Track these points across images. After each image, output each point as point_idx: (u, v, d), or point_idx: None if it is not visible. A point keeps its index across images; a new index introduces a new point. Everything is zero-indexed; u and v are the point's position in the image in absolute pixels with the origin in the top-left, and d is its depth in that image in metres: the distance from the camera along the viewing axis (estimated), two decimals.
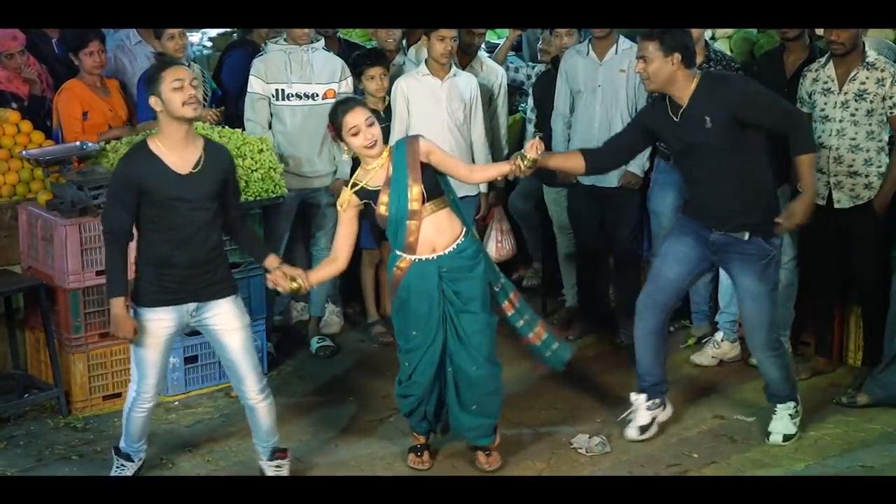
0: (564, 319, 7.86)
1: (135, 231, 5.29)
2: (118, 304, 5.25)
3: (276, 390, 6.81)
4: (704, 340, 7.31)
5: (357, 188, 5.54)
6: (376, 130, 5.49)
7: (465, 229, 5.64)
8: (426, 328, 5.58)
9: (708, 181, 5.72)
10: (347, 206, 5.55)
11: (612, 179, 7.23)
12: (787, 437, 6.06)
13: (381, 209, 5.50)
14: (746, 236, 5.71)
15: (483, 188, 7.31)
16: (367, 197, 5.53)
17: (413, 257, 5.54)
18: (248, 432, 5.75)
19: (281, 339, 7.50)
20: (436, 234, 5.54)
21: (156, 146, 5.22)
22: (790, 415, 6.08)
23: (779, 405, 6.08)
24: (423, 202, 5.48)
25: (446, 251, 5.55)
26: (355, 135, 5.45)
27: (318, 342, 7.40)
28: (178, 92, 5.09)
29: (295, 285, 5.45)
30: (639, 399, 6.17)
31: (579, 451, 6.08)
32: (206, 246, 5.28)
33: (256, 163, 6.73)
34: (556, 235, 7.87)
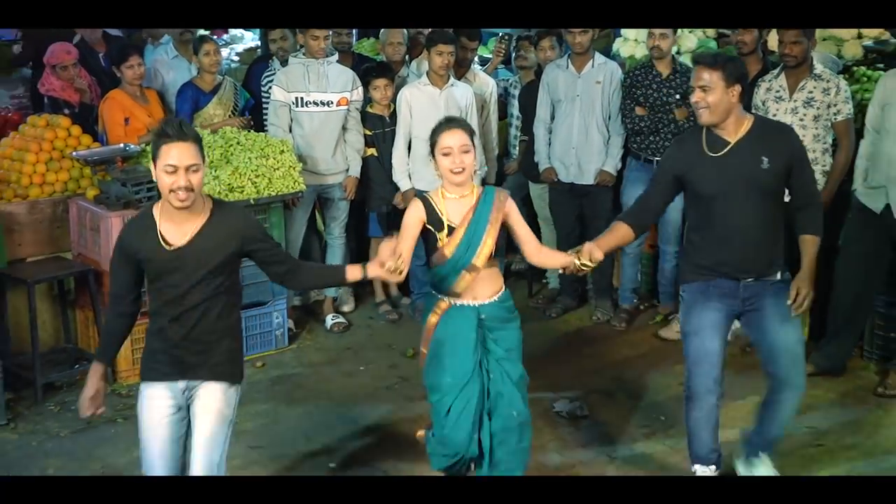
0: (548, 299, 7.95)
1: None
2: (94, 369, 4.36)
3: (294, 360, 6.96)
4: (670, 317, 7.39)
5: (429, 208, 4.77)
6: (470, 160, 4.72)
7: (504, 286, 4.94)
8: (461, 372, 4.75)
9: (741, 226, 4.81)
10: (416, 224, 4.77)
11: (589, 177, 7.33)
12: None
13: (447, 251, 4.74)
14: (779, 275, 4.94)
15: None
16: (434, 224, 4.75)
17: (454, 302, 4.81)
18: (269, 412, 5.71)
19: (300, 317, 7.57)
20: (480, 286, 4.81)
21: (157, 213, 4.27)
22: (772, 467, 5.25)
23: (762, 454, 5.20)
24: (488, 259, 4.78)
25: (488, 301, 4.83)
26: (446, 155, 4.72)
27: (332, 319, 7.48)
28: (169, 176, 4.10)
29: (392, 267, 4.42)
30: (706, 472, 5.15)
31: (560, 414, 6.14)
32: (205, 324, 4.29)
33: (278, 162, 6.83)
34: (540, 226, 7.96)
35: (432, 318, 4.85)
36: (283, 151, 6.89)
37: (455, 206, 4.78)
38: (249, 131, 7.09)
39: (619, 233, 5.06)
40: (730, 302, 4.94)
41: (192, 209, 4.20)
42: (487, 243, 4.74)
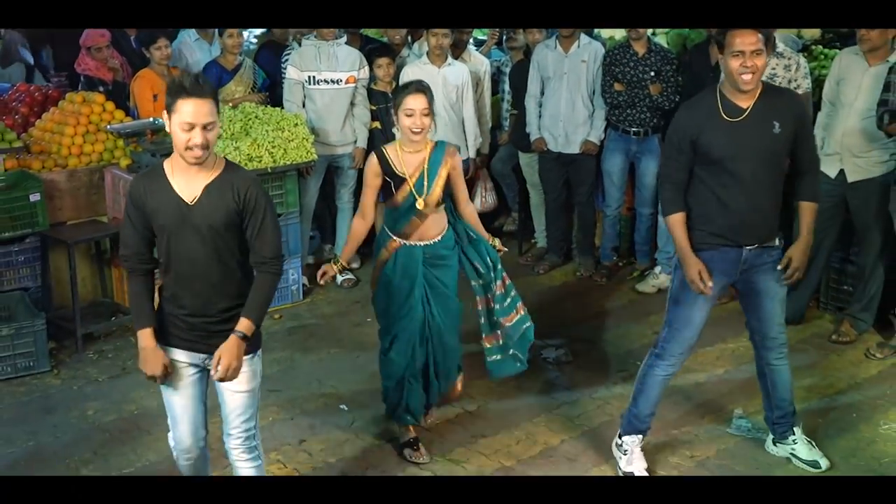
0: (536, 256, 7.88)
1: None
2: (144, 337, 3.84)
3: (308, 312, 6.91)
4: (646, 273, 7.34)
5: (384, 162, 4.85)
6: (428, 122, 4.78)
7: (448, 226, 4.98)
8: (406, 305, 4.89)
9: (751, 191, 4.45)
10: (374, 176, 4.87)
11: (575, 147, 7.26)
12: (817, 465, 4.89)
13: (399, 196, 4.84)
14: (777, 241, 4.62)
15: (472, 153, 7.31)
16: (391, 176, 4.84)
17: (403, 242, 4.90)
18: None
19: (313, 273, 7.47)
20: (427, 228, 4.89)
21: (169, 168, 3.82)
22: (807, 440, 4.98)
23: (796, 429, 4.95)
24: (436, 206, 4.88)
25: (432, 241, 4.90)
26: (409, 116, 4.74)
27: (342, 275, 7.42)
28: (185, 133, 3.67)
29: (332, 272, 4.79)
30: (634, 442, 4.86)
31: (547, 360, 6.11)
32: (214, 290, 3.83)
33: (293, 134, 6.74)
34: (529, 191, 7.90)
35: (384, 254, 4.94)
36: (297, 125, 6.80)
37: (410, 158, 4.84)
38: (267, 106, 6.99)
39: (680, 223, 4.56)
40: (729, 273, 4.60)
41: (204, 166, 3.77)
42: (436, 191, 4.82)
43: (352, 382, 5.85)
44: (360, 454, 5.10)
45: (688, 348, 4.74)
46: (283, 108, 7.06)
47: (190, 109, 3.66)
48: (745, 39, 4.33)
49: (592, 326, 6.67)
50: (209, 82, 3.81)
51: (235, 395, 3.94)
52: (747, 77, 4.35)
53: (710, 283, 4.51)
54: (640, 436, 4.86)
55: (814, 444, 4.96)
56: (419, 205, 4.80)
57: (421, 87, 4.81)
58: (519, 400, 5.64)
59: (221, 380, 3.84)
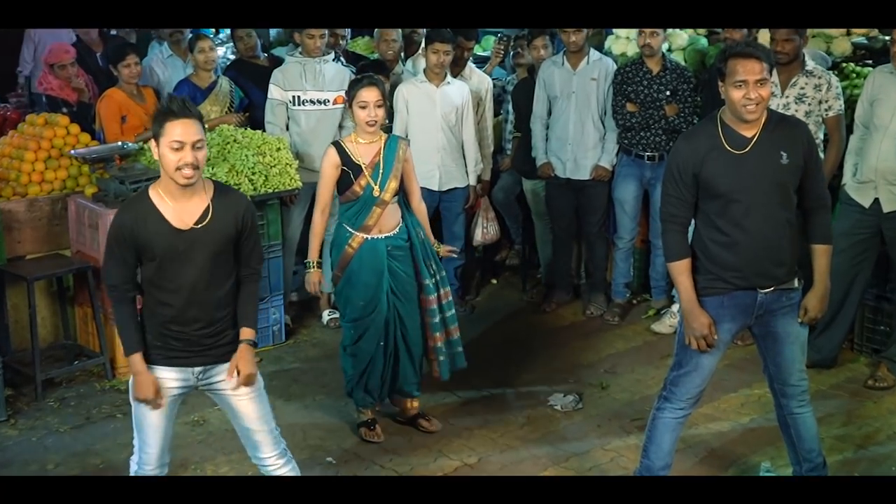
0: (541, 293, 7.90)
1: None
2: (136, 362, 4.18)
3: (291, 356, 6.92)
4: (662, 311, 7.37)
5: (342, 153, 5.47)
6: (382, 113, 5.46)
7: (402, 220, 5.62)
8: (374, 298, 5.51)
9: (761, 228, 4.45)
10: (332, 167, 5.48)
11: (585, 172, 7.32)
12: None
13: (357, 188, 5.46)
14: (796, 283, 4.62)
15: (472, 180, 7.36)
16: (349, 166, 5.47)
17: (366, 236, 5.50)
18: None
19: (297, 313, 7.54)
20: (386, 219, 5.52)
21: (157, 195, 4.12)
22: None
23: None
24: (393, 196, 5.51)
25: (392, 233, 5.54)
26: (363, 108, 5.41)
27: (328, 314, 7.42)
28: (175, 153, 4.00)
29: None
30: None
31: (555, 408, 6.12)
32: (216, 305, 4.22)
33: (275, 159, 6.78)
34: (534, 222, 7.93)
35: (349, 250, 5.53)
36: (279, 149, 6.84)
37: (365, 149, 5.50)
38: (246, 128, 7.04)
39: (686, 270, 4.58)
40: (742, 320, 4.60)
41: (195, 190, 4.10)
42: (392, 183, 5.48)
43: (339, 433, 5.85)
44: None
45: (697, 393, 4.75)
46: (264, 130, 7.11)
47: (179, 129, 3.99)
48: (749, 68, 4.36)
49: (604, 370, 6.68)
50: (196, 107, 4.12)
51: (253, 400, 4.35)
52: (752, 108, 4.40)
53: (715, 337, 4.53)
54: None
55: None
56: (375, 192, 5.43)
57: (373, 80, 5.50)
58: (524, 451, 5.64)
59: (239, 387, 4.28)
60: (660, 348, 6.95)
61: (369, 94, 5.42)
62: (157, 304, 4.19)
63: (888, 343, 6.44)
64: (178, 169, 4.00)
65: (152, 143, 4.06)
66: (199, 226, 4.11)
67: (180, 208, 4.10)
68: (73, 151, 6.68)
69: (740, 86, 4.39)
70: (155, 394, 4.18)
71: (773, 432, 5.68)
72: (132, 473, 4.42)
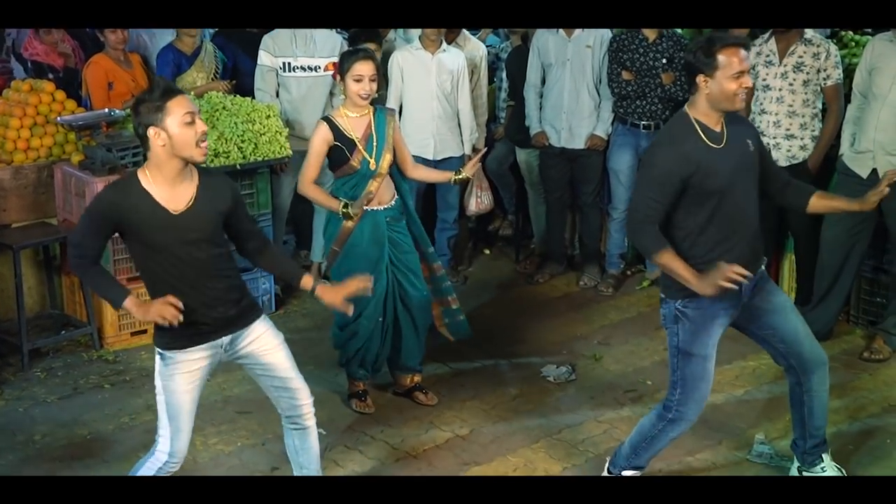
0: (535, 264, 7.90)
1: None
2: (132, 304, 4.12)
3: (281, 326, 6.84)
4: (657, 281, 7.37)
5: (334, 128, 5.43)
6: (375, 87, 5.45)
7: (395, 190, 5.64)
8: (374, 271, 5.39)
9: (747, 217, 4.50)
10: (323, 143, 5.45)
11: (580, 141, 7.29)
12: None
13: (354, 162, 5.43)
14: (765, 260, 4.74)
15: (467, 149, 7.32)
16: (342, 141, 5.43)
17: (365, 208, 5.48)
18: None
19: (287, 284, 7.51)
20: (383, 191, 5.52)
21: (146, 180, 4.07)
22: (836, 465, 4.95)
23: (825, 455, 4.91)
24: (389, 167, 5.50)
25: (389, 204, 5.55)
26: (357, 81, 5.38)
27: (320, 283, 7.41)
28: (190, 128, 3.98)
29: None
30: (628, 474, 4.87)
31: (548, 379, 6.13)
32: (219, 284, 4.23)
33: (264, 127, 6.74)
34: (527, 192, 7.91)
35: (348, 223, 5.49)
36: (269, 116, 6.80)
37: (356, 123, 5.47)
38: (235, 96, 6.98)
39: (673, 255, 4.40)
40: (732, 312, 4.57)
41: (185, 174, 4.09)
42: (387, 156, 5.46)
43: (330, 404, 5.84)
44: None
45: (704, 404, 4.65)
46: (253, 97, 7.06)
47: (185, 102, 4.01)
48: (742, 56, 4.33)
49: (597, 342, 6.68)
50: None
51: (281, 348, 4.46)
52: (742, 97, 4.40)
53: (741, 272, 4.30)
54: (638, 472, 4.87)
55: (844, 471, 4.96)
56: (372, 166, 5.41)
57: (369, 54, 5.50)
58: (516, 423, 5.65)
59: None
60: (654, 319, 6.92)
61: (365, 68, 5.39)
62: (159, 286, 4.12)
63: (884, 315, 6.45)
64: (199, 143, 4.01)
65: (153, 130, 3.97)
66: (191, 208, 4.09)
67: (172, 192, 4.07)
68: (59, 118, 6.64)
69: (738, 76, 4.33)
70: (165, 302, 4.03)
71: (768, 404, 5.73)
72: (153, 467, 4.30)
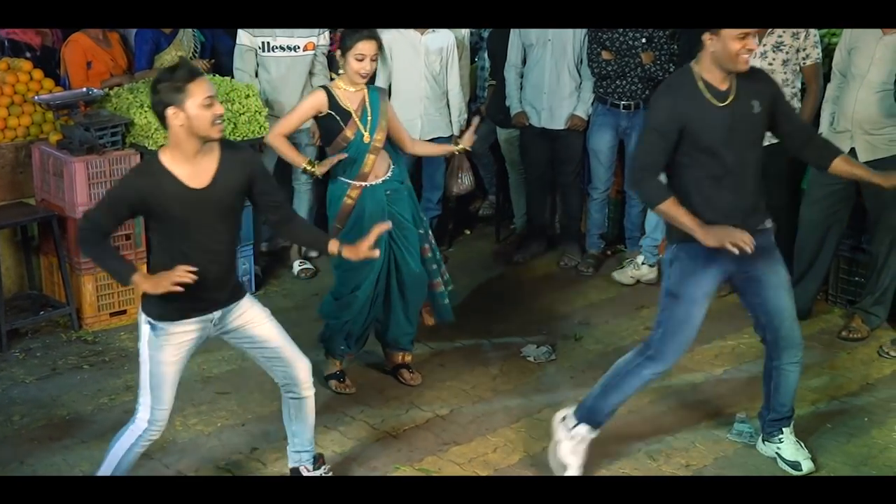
0: (515, 243, 7.91)
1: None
2: (139, 279, 4.16)
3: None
4: (625, 262, 7.38)
5: (331, 97, 5.47)
6: (374, 67, 5.53)
7: (392, 163, 5.65)
8: (374, 247, 5.34)
9: (741, 176, 4.57)
10: (312, 109, 5.51)
11: (560, 121, 7.29)
12: (798, 467, 4.97)
13: (348, 133, 5.47)
14: (768, 223, 4.76)
15: (455, 130, 7.30)
16: (337, 111, 5.47)
17: (364, 184, 5.51)
18: None
19: (267, 264, 7.50)
20: (379, 164, 5.54)
21: (167, 160, 4.18)
22: (796, 440, 5.05)
23: (785, 429, 5.02)
24: (384, 141, 5.54)
25: (387, 177, 5.57)
26: (359, 60, 5.42)
27: (299, 265, 7.39)
28: (209, 109, 4.09)
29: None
30: (588, 433, 4.90)
31: (528, 359, 6.14)
32: (225, 260, 4.37)
33: (244, 107, 6.70)
34: (508, 171, 7.91)
35: (348, 201, 5.53)
36: (248, 96, 6.76)
37: (352, 96, 5.52)
38: (213, 75, 6.94)
39: (675, 204, 4.50)
40: (727, 265, 4.63)
41: (204, 150, 4.19)
42: (383, 125, 5.51)
43: None
44: None
45: (685, 350, 4.77)
46: (232, 77, 7.03)
47: (206, 85, 4.10)
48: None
49: (578, 321, 6.69)
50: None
51: (270, 320, 4.53)
52: (746, 58, 4.47)
53: (748, 242, 4.39)
54: (595, 429, 4.89)
55: (802, 444, 5.02)
56: (366, 139, 5.46)
57: (374, 34, 5.48)
58: (496, 403, 5.66)
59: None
60: (634, 299, 6.97)
61: (368, 48, 5.43)
62: (173, 262, 4.16)
63: (862, 294, 6.48)
64: (215, 123, 4.11)
65: (171, 110, 4.06)
66: (212, 184, 4.20)
67: (193, 169, 4.18)
68: (36, 97, 6.58)
69: (744, 37, 4.41)
70: (180, 272, 4.08)
71: (747, 384, 5.75)
72: (133, 435, 4.37)
